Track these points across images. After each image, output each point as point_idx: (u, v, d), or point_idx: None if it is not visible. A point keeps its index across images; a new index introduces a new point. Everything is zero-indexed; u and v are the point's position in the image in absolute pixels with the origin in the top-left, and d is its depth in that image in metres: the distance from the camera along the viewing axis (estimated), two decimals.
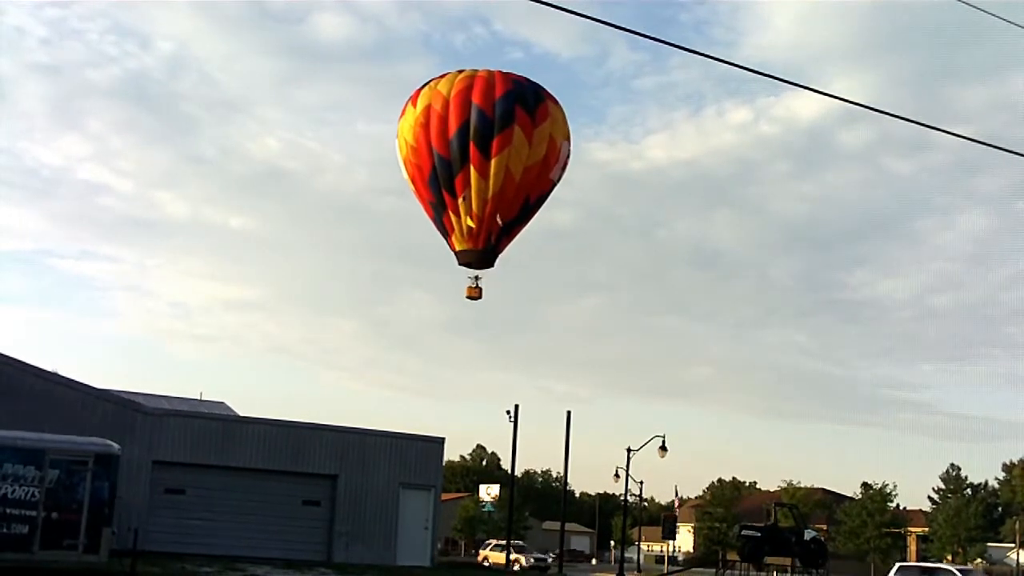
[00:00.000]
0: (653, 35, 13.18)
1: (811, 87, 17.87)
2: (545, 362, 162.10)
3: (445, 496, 59.83)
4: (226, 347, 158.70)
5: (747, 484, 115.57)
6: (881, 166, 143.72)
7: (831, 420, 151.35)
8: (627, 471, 53.51)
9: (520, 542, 67.26)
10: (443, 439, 35.25)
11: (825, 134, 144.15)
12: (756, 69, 15.72)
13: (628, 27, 11.80)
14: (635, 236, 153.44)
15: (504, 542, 54.49)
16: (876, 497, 78.95)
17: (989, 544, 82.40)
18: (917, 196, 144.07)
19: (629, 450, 52.33)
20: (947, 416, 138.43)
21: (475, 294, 22.34)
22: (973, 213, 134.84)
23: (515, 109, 21.32)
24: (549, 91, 22.44)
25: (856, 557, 77.60)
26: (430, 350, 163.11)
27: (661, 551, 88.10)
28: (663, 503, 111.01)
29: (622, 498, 60.00)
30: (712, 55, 16.06)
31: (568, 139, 22.93)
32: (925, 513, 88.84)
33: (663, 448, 50.71)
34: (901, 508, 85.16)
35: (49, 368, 29.76)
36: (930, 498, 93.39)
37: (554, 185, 22.78)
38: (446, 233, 22.37)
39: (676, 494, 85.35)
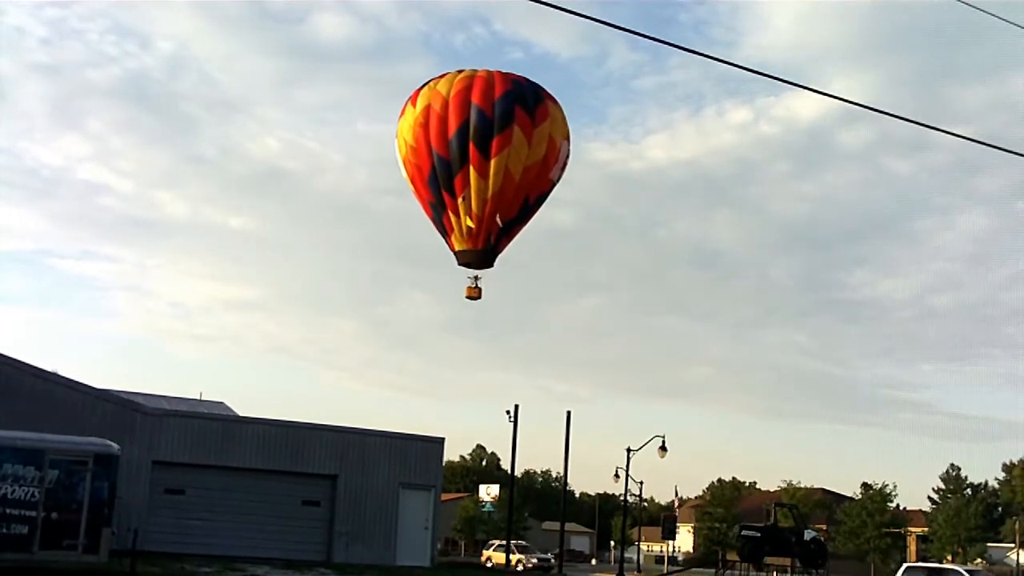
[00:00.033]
0: (653, 35, 13.20)
1: (811, 87, 17.88)
2: (545, 362, 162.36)
3: (445, 496, 59.88)
4: (226, 347, 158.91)
5: (747, 484, 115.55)
6: (881, 166, 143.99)
7: (831, 420, 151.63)
8: (627, 471, 53.59)
9: (524, 542, 67.31)
10: (443, 439, 35.31)
11: (825, 134, 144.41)
12: (756, 69, 15.75)
13: (628, 27, 11.82)
14: (635, 236, 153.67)
15: (512, 542, 54.57)
16: (876, 497, 78.92)
17: (989, 544, 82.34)
18: (917, 196, 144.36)
19: (629, 450, 52.40)
20: (947, 416, 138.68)
21: (475, 294, 22.34)
22: (973, 213, 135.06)
23: (514, 109, 21.32)
24: (549, 91, 22.45)
25: (856, 557, 77.59)
26: (430, 350, 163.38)
27: (661, 551, 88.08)
28: (663, 503, 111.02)
29: (622, 498, 60.04)
30: (712, 55, 16.10)
31: (568, 139, 22.93)
32: (925, 513, 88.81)
33: (663, 448, 50.75)
34: (901, 508, 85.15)
35: (49, 368, 29.84)
36: (930, 498, 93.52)
37: (554, 185, 22.78)
38: (445, 233, 22.37)
39: (676, 494, 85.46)
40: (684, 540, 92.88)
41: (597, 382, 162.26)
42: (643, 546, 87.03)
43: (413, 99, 22.10)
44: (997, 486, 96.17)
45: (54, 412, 27.10)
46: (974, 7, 16.67)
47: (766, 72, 15.76)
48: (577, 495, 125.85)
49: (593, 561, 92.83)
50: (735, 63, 13.26)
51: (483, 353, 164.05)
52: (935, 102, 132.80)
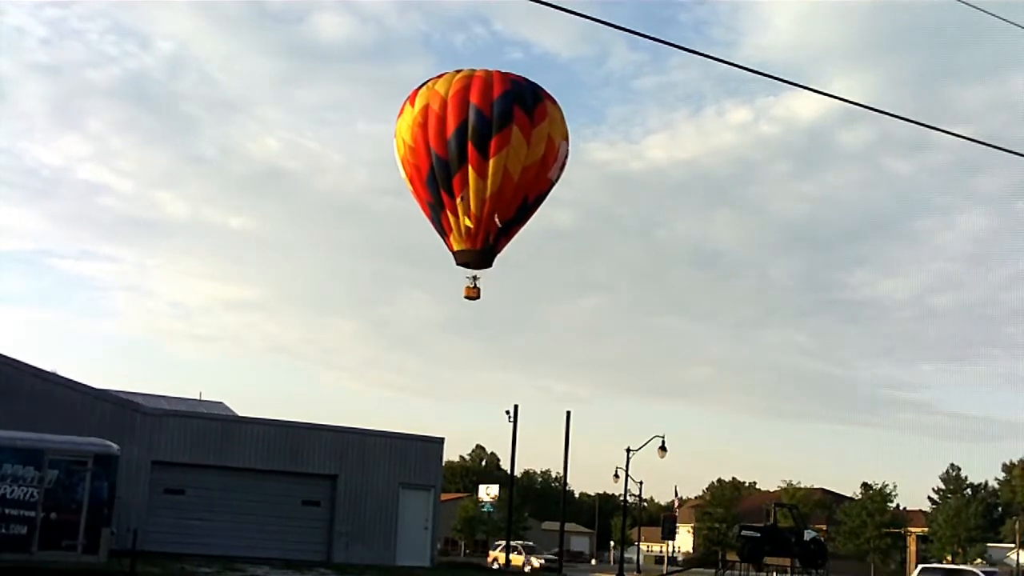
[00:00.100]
0: (653, 35, 13.17)
1: (811, 87, 17.87)
2: (544, 362, 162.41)
3: (445, 496, 59.85)
4: (226, 347, 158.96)
5: (747, 484, 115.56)
6: (881, 166, 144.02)
7: (831, 420, 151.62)
8: (627, 471, 53.59)
9: (530, 543, 67.26)
10: (443, 439, 35.28)
11: (825, 134, 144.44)
12: (756, 69, 15.71)
13: (628, 27, 11.82)
14: (635, 236, 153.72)
15: (517, 543, 54.51)
16: (876, 497, 78.94)
17: (989, 544, 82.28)
18: (917, 196, 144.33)
19: (629, 450, 52.40)
20: (947, 416, 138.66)
21: (473, 294, 22.35)
22: (973, 213, 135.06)
23: (513, 109, 21.32)
24: (548, 91, 22.46)
25: (856, 557, 77.60)
26: (429, 350, 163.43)
27: (661, 551, 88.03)
28: (663, 503, 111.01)
29: (622, 498, 60.04)
30: (712, 55, 16.06)
31: (567, 139, 22.93)
32: (925, 513, 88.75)
33: (663, 448, 50.75)
34: (901, 508, 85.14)
35: (48, 368, 29.82)
36: (930, 498, 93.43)
37: (552, 185, 22.79)
38: (444, 233, 22.38)
39: (676, 494, 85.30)
40: (684, 540, 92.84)
41: (597, 382, 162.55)
42: (643, 546, 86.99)
43: (412, 99, 22.11)
44: (997, 486, 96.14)
45: (53, 412, 27.09)
46: (974, 7, 16.68)
47: (766, 72, 15.70)
48: (577, 495, 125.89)
49: (593, 561, 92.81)
50: (735, 63, 13.27)
51: (482, 353, 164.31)
52: (935, 102, 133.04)
